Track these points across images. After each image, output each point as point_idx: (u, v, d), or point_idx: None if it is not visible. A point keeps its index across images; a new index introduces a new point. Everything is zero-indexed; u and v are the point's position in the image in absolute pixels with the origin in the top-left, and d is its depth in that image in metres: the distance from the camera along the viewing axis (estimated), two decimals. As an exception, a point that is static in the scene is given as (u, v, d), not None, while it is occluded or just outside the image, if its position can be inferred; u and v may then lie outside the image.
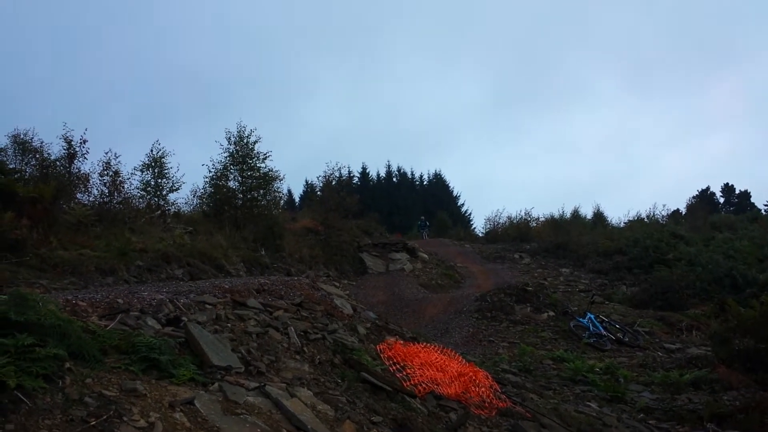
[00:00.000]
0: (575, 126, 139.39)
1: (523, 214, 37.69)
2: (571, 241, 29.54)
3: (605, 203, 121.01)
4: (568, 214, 36.77)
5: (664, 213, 37.58)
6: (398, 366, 6.11)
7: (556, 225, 34.43)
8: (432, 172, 63.03)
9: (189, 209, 20.02)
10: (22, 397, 3.13)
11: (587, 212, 39.12)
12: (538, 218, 37.38)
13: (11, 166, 15.34)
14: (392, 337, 7.24)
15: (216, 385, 4.09)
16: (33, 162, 16.10)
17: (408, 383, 5.75)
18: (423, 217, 38.83)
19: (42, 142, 16.25)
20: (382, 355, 6.35)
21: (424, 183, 60.59)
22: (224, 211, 19.72)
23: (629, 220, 36.37)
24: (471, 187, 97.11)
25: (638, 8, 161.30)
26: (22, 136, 16.75)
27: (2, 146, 16.04)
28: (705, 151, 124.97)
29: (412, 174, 60.15)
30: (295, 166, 75.11)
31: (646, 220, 35.60)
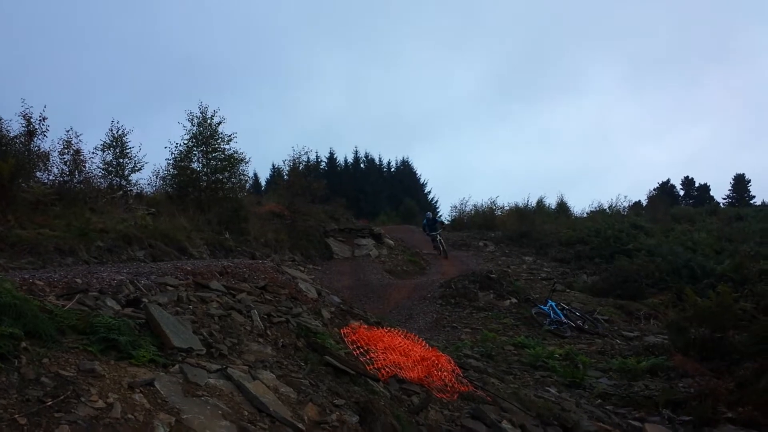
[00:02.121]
0: (561, 116, 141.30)
1: (488, 202, 38.02)
2: (534, 230, 29.97)
3: (578, 194, 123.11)
4: (533, 204, 37.25)
5: (626, 204, 38.35)
6: (362, 350, 6.13)
7: (520, 214, 34.84)
8: (400, 158, 63.14)
9: (152, 190, 19.70)
10: (-25, 377, 3.05)
11: (552, 202, 39.70)
12: (503, 207, 37.77)
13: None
14: (356, 322, 7.25)
15: (177, 366, 4.04)
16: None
17: (371, 367, 5.77)
18: (430, 214, 27.02)
19: (0, 119, 15.78)
20: (346, 339, 6.36)
21: (392, 170, 60.65)
22: (188, 193, 19.46)
23: (591, 211, 37.04)
24: (451, 175, 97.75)
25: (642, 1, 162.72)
26: (-22, 113, 16.24)
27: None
28: (677, 144, 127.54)
29: (380, 160, 60.22)
30: (286, 151, 74.35)
31: (608, 211, 36.26)
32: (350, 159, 57.80)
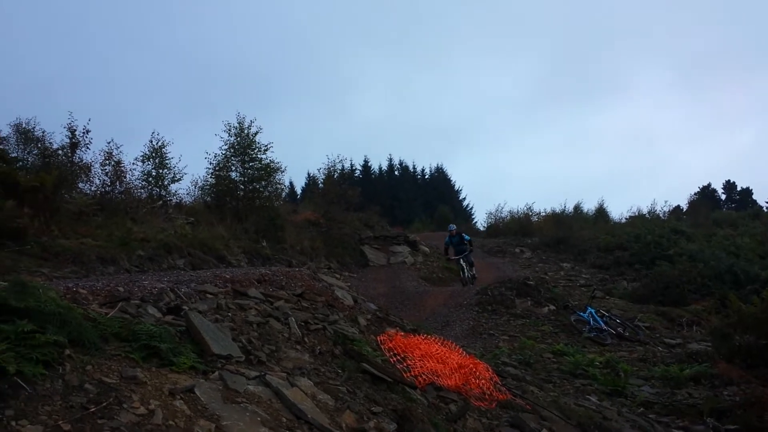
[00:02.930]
0: (603, 120, 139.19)
1: (524, 208, 37.68)
2: (572, 236, 29.58)
3: (616, 199, 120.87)
4: (570, 209, 36.80)
5: (666, 209, 37.59)
6: (399, 357, 6.10)
7: (557, 220, 34.44)
8: (434, 165, 63.03)
9: (191, 200, 20.03)
10: (21, 383, 3.12)
11: (590, 208, 39.15)
12: (540, 213, 37.39)
13: (13, 155, 15.35)
14: (393, 329, 7.23)
15: (216, 373, 4.07)
16: (35, 151, 16.14)
17: (408, 374, 5.74)
18: (453, 227, 19.29)
19: (44, 132, 16.27)
20: (382, 347, 6.34)
21: (426, 177, 60.59)
22: (226, 202, 19.74)
23: (630, 216, 36.39)
24: (487, 181, 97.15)
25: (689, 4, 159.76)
26: (24, 126, 16.77)
27: (4, 135, 16.04)
28: (719, 148, 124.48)
29: (414, 167, 60.18)
30: (323, 159, 75.00)
31: (647, 216, 35.59)
32: (384, 166, 57.95)
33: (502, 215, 38.21)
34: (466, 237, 18.67)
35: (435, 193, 56.14)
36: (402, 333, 7.09)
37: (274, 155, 22.90)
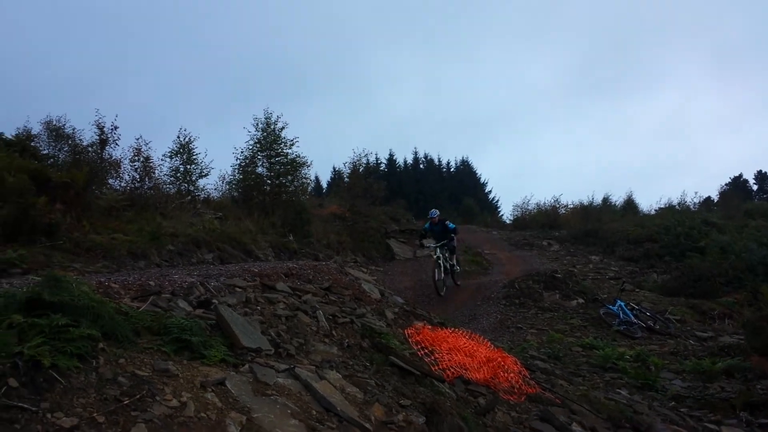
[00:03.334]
0: (635, 111, 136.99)
1: (552, 200, 37.33)
2: (600, 229, 29.21)
3: (646, 191, 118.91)
4: (598, 201, 36.37)
5: (696, 200, 36.93)
6: (426, 350, 6.09)
7: (585, 212, 34.07)
8: (459, 158, 62.75)
9: (218, 195, 20.22)
10: (56, 377, 3.17)
11: (619, 199, 38.64)
12: (567, 205, 37.00)
13: (44, 152, 15.65)
14: (420, 322, 7.22)
15: (246, 366, 4.11)
16: (65, 148, 16.42)
17: (436, 368, 5.73)
18: (436, 213, 16.40)
19: (74, 129, 16.55)
20: (410, 340, 6.34)
21: (451, 170, 60.35)
22: (253, 197, 19.88)
23: (660, 208, 35.82)
24: (515, 173, 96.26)
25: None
26: (54, 123, 17.07)
27: (36, 133, 16.35)
28: (751, 138, 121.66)
29: (439, 160, 59.95)
30: (350, 153, 74.63)
31: (677, 207, 35.00)
32: (410, 160, 57.84)
33: (529, 208, 37.95)
34: (451, 225, 15.75)
35: (460, 186, 55.90)
36: (429, 326, 7.07)
37: (299, 150, 22.98)
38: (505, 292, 15.54)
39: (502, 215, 48.52)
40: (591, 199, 36.37)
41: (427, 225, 16.22)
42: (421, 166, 58.22)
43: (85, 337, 3.49)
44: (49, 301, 3.62)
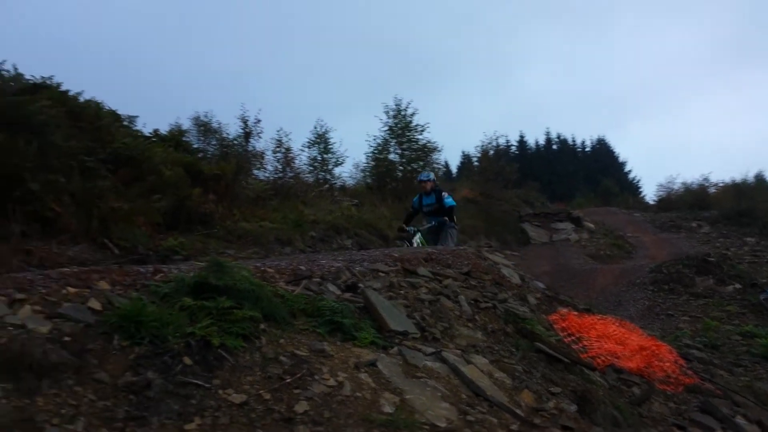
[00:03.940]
0: None
1: (700, 179, 34.79)
2: (756, 208, 26.78)
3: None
4: (750, 179, 33.44)
5: None
6: (573, 337, 5.91)
7: (738, 191, 31.43)
8: (595, 137, 60.10)
9: (354, 182, 20.78)
10: (225, 355, 3.41)
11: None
12: (717, 184, 34.31)
13: (195, 146, 16.82)
14: (564, 308, 7.01)
15: (395, 348, 4.20)
16: (213, 142, 17.57)
17: (585, 355, 5.54)
18: (431, 175, 11.22)
19: (220, 123, 17.66)
20: (555, 326, 6.17)
21: (586, 149, 57.96)
22: (386, 183, 20.24)
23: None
24: (658, 152, 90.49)
25: None
26: (202, 118, 18.30)
27: (186, 128, 17.60)
28: None
29: (573, 140, 57.76)
30: (480, 137, 73.36)
31: None
32: (541, 141, 56.20)
33: (675, 187, 35.63)
34: (448, 199, 10.23)
35: (596, 166, 53.55)
36: (575, 312, 6.85)
37: (430, 135, 23.06)
38: (653, 277, 14.70)
39: (644, 196, 45.92)
40: (744, 176, 33.49)
41: (415, 199, 10.64)
42: (554, 146, 56.40)
43: (247, 319, 3.72)
44: (215, 284, 3.89)
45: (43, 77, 9.03)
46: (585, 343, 5.82)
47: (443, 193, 10.25)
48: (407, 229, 10.09)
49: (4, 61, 8.49)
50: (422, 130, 20.86)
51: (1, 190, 6.49)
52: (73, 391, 2.81)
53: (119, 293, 3.68)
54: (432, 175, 10.69)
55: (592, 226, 24.55)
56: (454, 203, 10.39)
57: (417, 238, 9.76)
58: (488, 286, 6.64)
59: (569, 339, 5.87)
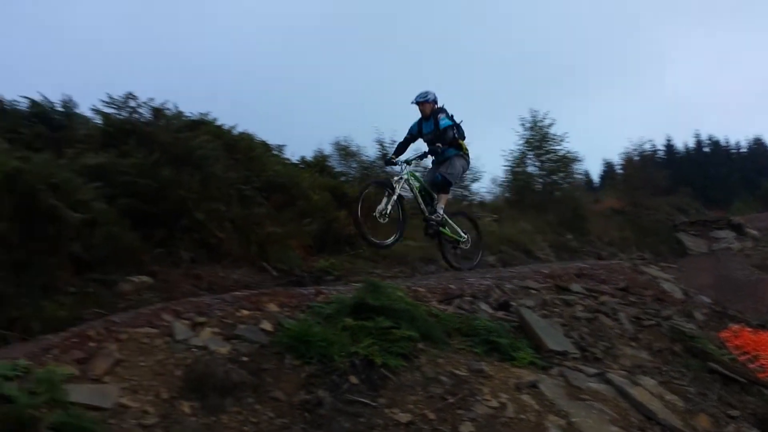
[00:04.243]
0: None
1: None
2: None
3: None
4: None
5: None
6: (749, 356, 5.42)
7: None
8: (751, 137, 55.18)
9: (492, 197, 20.55)
10: (387, 374, 3.48)
11: None
12: None
13: (337, 170, 17.48)
14: (736, 324, 6.46)
15: (555, 369, 4.08)
16: (353, 164, 18.17)
17: (764, 375, 5.07)
18: (429, 95, 7.66)
19: (358, 146, 18.29)
20: (728, 344, 5.70)
21: (741, 150, 53.34)
22: (525, 196, 19.81)
23: None
24: None
25: None
26: (341, 143, 19.02)
27: (328, 153, 18.34)
28: None
29: (727, 142, 53.38)
30: (616, 145, 69.75)
31: None
32: (691, 144, 52.48)
33: None
34: (444, 120, 7.57)
35: (754, 168, 49.03)
36: (748, 329, 6.29)
37: (569, 145, 22.37)
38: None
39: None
40: None
41: (414, 124, 7.96)
42: (705, 149, 52.47)
43: (405, 338, 3.78)
44: (372, 305, 4.00)
45: (201, 114, 9.80)
46: (763, 361, 5.33)
47: (440, 115, 7.58)
48: (395, 161, 7.64)
49: (166, 101, 9.29)
50: (561, 141, 20.25)
51: (171, 220, 7.09)
52: (253, 409, 3.01)
53: (287, 314, 3.89)
54: (432, 95, 7.80)
55: (755, 233, 22.42)
56: (451, 122, 7.53)
57: (404, 176, 7.13)
58: (649, 303, 6.29)
59: (744, 358, 5.40)
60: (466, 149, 7.73)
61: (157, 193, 5.44)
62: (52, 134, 8.09)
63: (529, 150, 20.64)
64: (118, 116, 8.45)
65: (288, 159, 12.13)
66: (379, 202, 6.87)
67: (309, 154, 16.49)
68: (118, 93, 8.50)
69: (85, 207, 5.86)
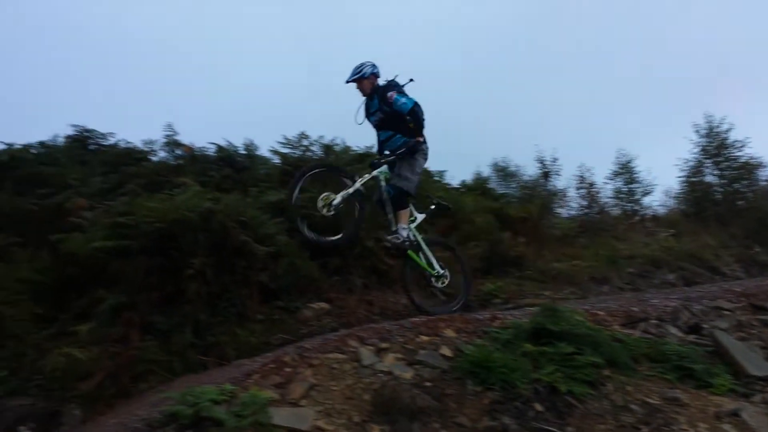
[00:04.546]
0: None
1: None
2: None
3: None
4: None
5: None
6: None
7: None
8: None
9: (666, 211, 19.32)
10: (573, 402, 3.40)
11: None
12: None
13: (499, 192, 17.38)
14: None
15: (758, 396, 3.75)
16: (513, 185, 17.98)
17: None
18: (367, 69, 5.88)
19: (517, 166, 18.07)
20: None
21: None
22: (705, 208, 18.39)
23: None
24: None
25: None
26: (500, 164, 18.91)
27: (487, 176, 18.31)
28: None
29: None
30: None
31: None
32: None
33: None
34: (400, 99, 5.73)
35: None
36: None
37: (752, 150, 20.47)
38: None
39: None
40: None
41: (359, 109, 6.10)
42: None
43: (590, 365, 3.67)
44: (552, 330, 3.93)
45: (366, 147, 10.24)
46: None
47: (389, 93, 5.78)
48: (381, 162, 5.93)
49: (335, 137, 9.83)
50: (742, 146, 18.60)
51: (345, 249, 7.47)
52: (440, 434, 3.07)
53: (464, 340, 3.94)
54: (369, 68, 5.95)
55: None
56: (412, 102, 5.73)
57: (376, 173, 5.85)
58: None
59: None
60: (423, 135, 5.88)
61: (333, 223, 5.75)
62: (237, 175, 8.91)
63: (706, 158, 19.22)
64: (293, 155, 9.14)
65: (449, 183, 12.30)
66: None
67: (468, 178, 16.60)
68: (291, 133, 9.23)
69: (270, 241, 6.37)
